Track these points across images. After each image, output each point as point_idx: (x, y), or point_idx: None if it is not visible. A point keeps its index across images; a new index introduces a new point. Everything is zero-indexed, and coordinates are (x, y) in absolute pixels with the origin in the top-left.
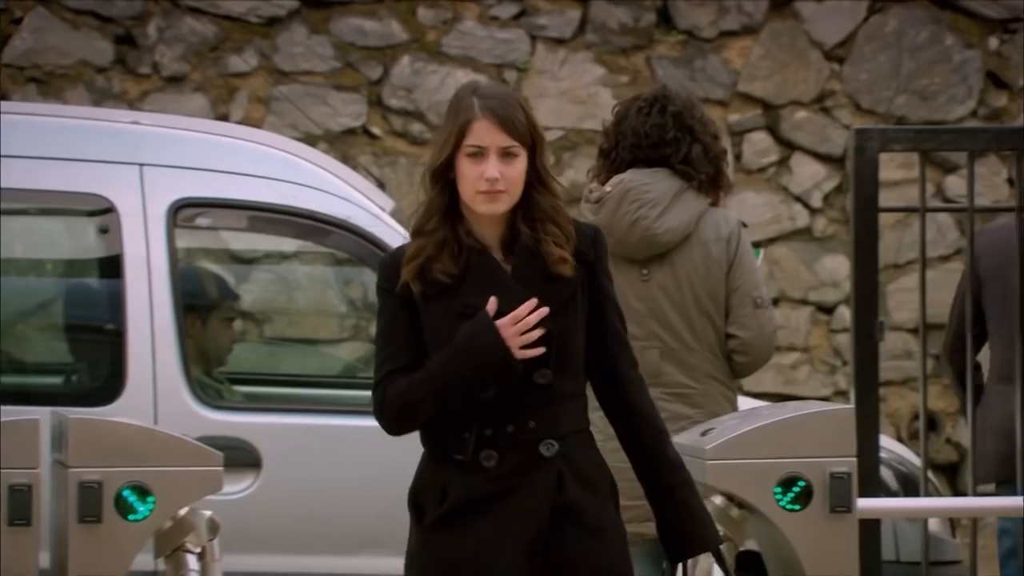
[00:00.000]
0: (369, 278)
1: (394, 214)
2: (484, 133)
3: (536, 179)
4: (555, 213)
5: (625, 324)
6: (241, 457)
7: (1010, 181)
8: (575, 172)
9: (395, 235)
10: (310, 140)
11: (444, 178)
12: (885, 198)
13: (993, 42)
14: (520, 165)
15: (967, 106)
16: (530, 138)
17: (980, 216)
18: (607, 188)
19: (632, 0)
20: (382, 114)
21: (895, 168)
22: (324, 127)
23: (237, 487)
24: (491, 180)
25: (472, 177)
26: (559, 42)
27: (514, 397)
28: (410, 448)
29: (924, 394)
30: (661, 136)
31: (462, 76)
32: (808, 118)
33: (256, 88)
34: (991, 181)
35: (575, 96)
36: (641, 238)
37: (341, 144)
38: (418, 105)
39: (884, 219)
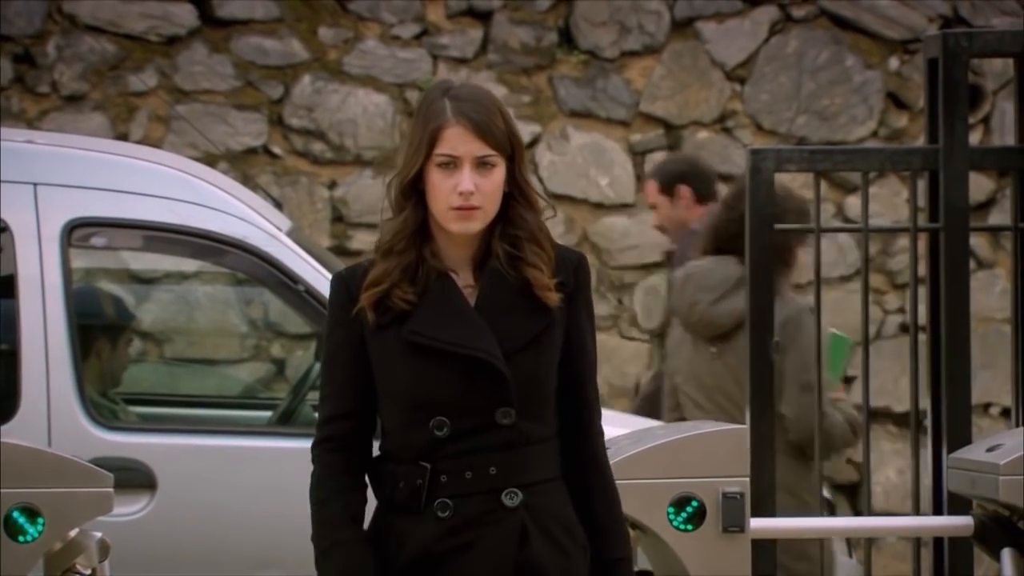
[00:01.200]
0: (268, 298)
1: (291, 234)
2: (457, 141)
3: (516, 192)
4: (539, 231)
5: (595, 367)
6: (136, 478)
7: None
8: None
9: (292, 255)
10: (210, 159)
11: (414, 192)
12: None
13: (893, 63)
14: (498, 177)
15: (868, 127)
16: (509, 146)
17: (878, 236)
18: (677, 272)
19: (534, 20)
20: (283, 133)
21: (796, 188)
22: (224, 146)
23: (131, 508)
24: (465, 193)
25: (444, 191)
26: (461, 61)
27: (474, 439)
28: (308, 470)
29: (819, 413)
30: (734, 231)
31: (363, 95)
32: (709, 138)
33: (156, 107)
34: (891, 202)
35: None
36: (698, 320)
37: (242, 163)
38: (319, 124)
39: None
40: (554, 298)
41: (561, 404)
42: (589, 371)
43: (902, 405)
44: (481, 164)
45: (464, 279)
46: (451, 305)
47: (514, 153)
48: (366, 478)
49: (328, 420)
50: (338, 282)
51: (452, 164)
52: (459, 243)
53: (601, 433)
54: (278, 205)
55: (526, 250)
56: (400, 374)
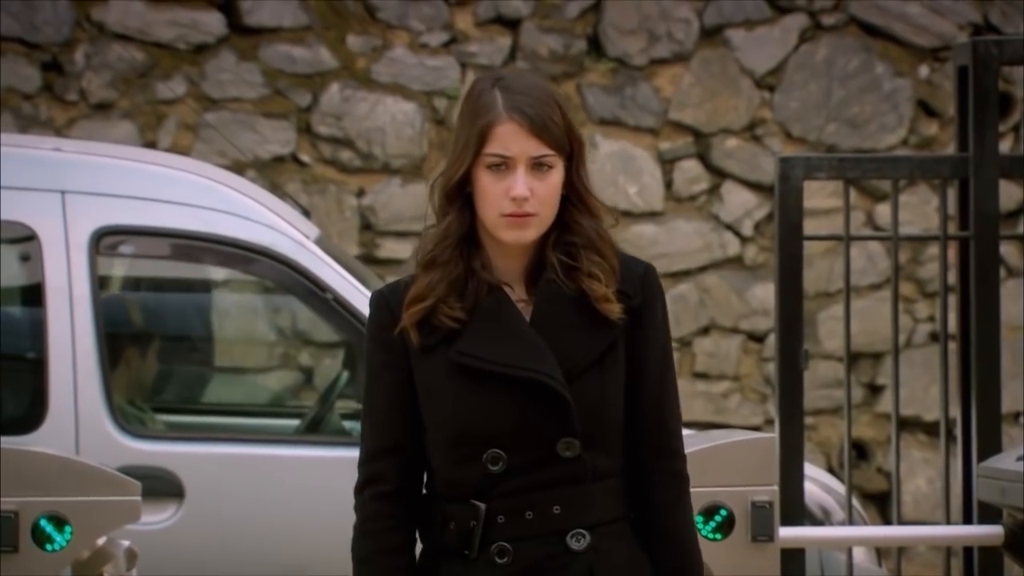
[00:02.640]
0: (296, 307)
1: (319, 242)
2: (510, 139)
3: (575, 196)
4: (599, 239)
5: (677, 398)
6: (163, 487)
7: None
8: None
9: (320, 263)
10: (238, 167)
11: (461, 196)
12: (816, 226)
13: (923, 71)
14: (555, 179)
15: (898, 135)
16: (568, 145)
17: (908, 244)
18: None
19: (562, 28)
20: (311, 141)
21: (826, 196)
22: (253, 154)
23: (159, 517)
24: (519, 199)
25: (495, 195)
26: (489, 70)
27: (533, 474)
28: (335, 478)
29: (848, 422)
30: None
31: (391, 104)
32: (739, 146)
33: (184, 115)
34: (921, 210)
35: None
36: None
37: (270, 171)
38: (347, 132)
39: (815, 247)
40: (615, 309)
41: (626, 433)
42: (660, 395)
43: (932, 414)
44: (536, 165)
45: (517, 292)
46: (505, 322)
47: (573, 152)
48: (415, 532)
49: (370, 457)
50: (378, 300)
51: (504, 165)
52: (511, 253)
53: (675, 473)
54: (306, 213)
55: (583, 259)
56: (448, 401)
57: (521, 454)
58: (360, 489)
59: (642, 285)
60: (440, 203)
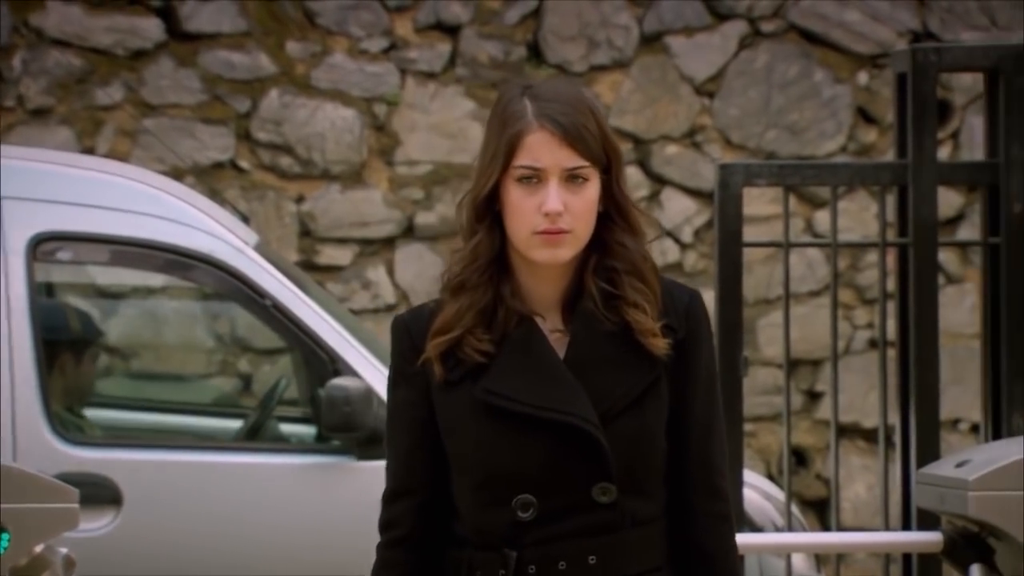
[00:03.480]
0: (235, 313)
1: (258, 248)
2: (541, 149)
3: (614, 211)
4: (643, 263)
5: (723, 437)
6: (101, 494)
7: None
8: (444, 207)
9: (259, 269)
10: (177, 174)
11: (491, 213)
12: (756, 233)
13: (863, 77)
14: (591, 194)
15: (837, 141)
16: (604, 156)
17: (847, 251)
18: None
19: (502, 34)
20: (250, 147)
21: (766, 203)
22: (191, 160)
23: (97, 524)
24: (552, 214)
25: (525, 211)
26: (429, 76)
27: (567, 521)
28: (274, 485)
29: (788, 428)
30: None
31: (331, 110)
32: (679, 153)
33: (122, 121)
34: (860, 217)
35: (445, 130)
36: None
37: (208, 178)
38: (287, 138)
39: (755, 254)
40: (661, 345)
41: (670, 475)
42: (707, 436)
43: (871, 420)
44: (571, 178)
45: (551, 322)
46: (536, 357)
47: (610, 164)
48: None
49: (387, 500)
50: (399, 328)
51: (535, 178)
52: (545, 277)
53: (721, 516)
54: (245, 219)
55: (626, 287)
56: (471, 442)
57: (553, 500)
58: (380, 532)
59: (687, 315)
60: (468, 221)
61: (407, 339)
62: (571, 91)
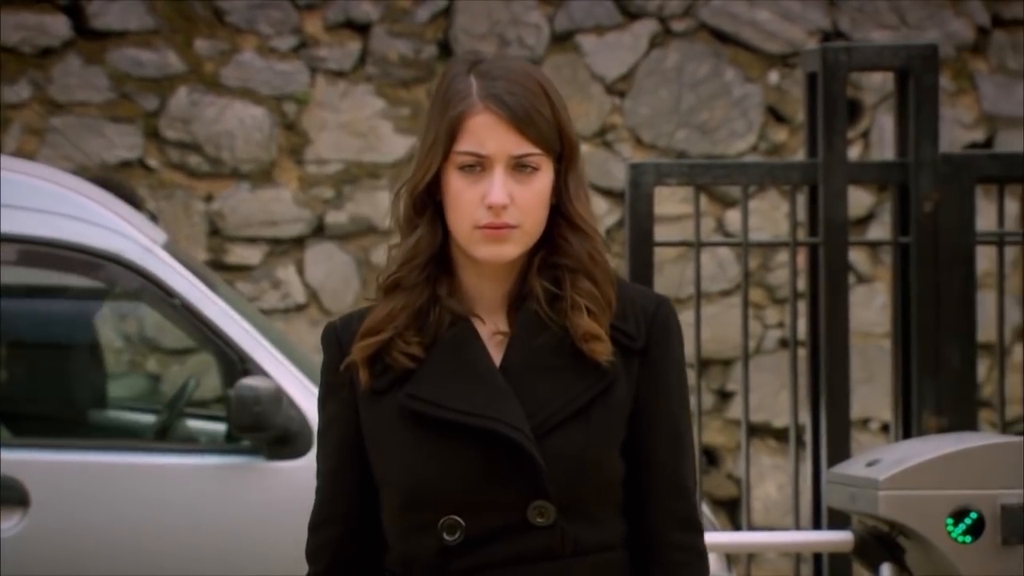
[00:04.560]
0: (143, 312)
1: (167, 247)
2: (485, 133)
3: (566, 207)
4: (590, 262)
5: (693, 460)
6: (8, 495)
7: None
8: (355, 206)
9: (168, 269)
10: (84, 173)
11: (431, 205)
12: (667, 232)
13: (773, 77)
14: (541, 185)
15: (747, 140)
16: (558, 143)
17: (758, 250)
18: None
19: (412, 32)
20: (159, 146)
21: (677, 202)
22: (100, 159)
23: (3, 525)
24: (496, 207)
25: (467, 203)
26: (339, 74)
27: (499, 545)
28: (183, 486)
29: (699, 428)
30: None
31: (240, 108)
32: (590, 152)
33: (29, 119)
34: (771, 216)
35: (356, 129)
36: None
37: (117, 176)
38: (195, 137)
39: (666, 253)
40: (602, 351)
41: (632, 500)
42: (674, 455)
43: (782, 420)
44: (519, 167)
45: (494, 324)
46: (464, 360)
47: (564, 153)
48: None
49: (311, 530)
50: (329, 337)
51: (479, 166)
52: (488, 276)
53: (693, 550)
54: (154, 218)
55: (568, 286)
56: (396, 456)
57: (483, 522)
58: (307, 553)
59: (650, 324)
60: (406, 214)
61: (336, 348)
62: (524, 69)
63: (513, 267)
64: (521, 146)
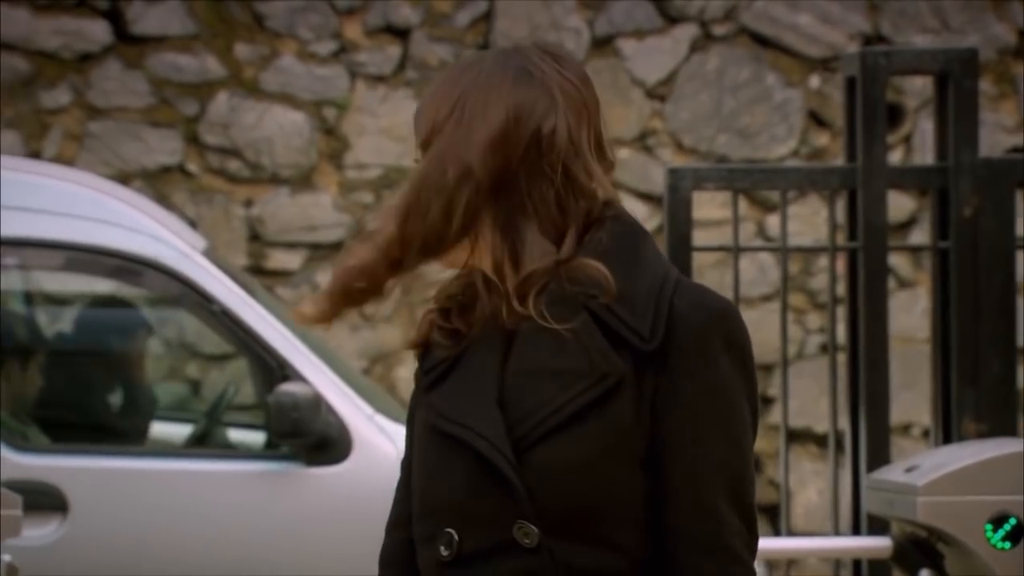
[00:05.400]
0: (183, 318)
1: (206, 253)
2: None
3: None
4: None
5: (739, 482)
6: (47, 501)
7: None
8: None
9: (206, 275)
10: (124, 178)
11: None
12: (707, 237)
13: (814, 81)
14: None
15: (788, 145)
16: None
17: (799, 255)
18: None
19: (453, 37)
20: (198, 151)
21: (717, 207)
22: (139, 164)
23: (42, 531)
24: None
25: None
26: (379, 79)
27: (488, 564)
28: (222, 492)
29: None
30: None
31: (280, 113)
32: (630, 157)
33: (69, 124)
34: (812, 221)
35: (395, 134)
36: None
37: (157, 182)
38: (235, 142)
39: (706, 258)
40: (596, 353)
41: (660, 525)
42: (698, 477)
43: (823, 425)
44: None
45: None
46: (480, 360)
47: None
48: None
49: (386, 530)
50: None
51: None
52: None
53: (709, 574)
54: (192, 224)
55: (568, 274)
56: (417, 460)
57: (476, 538)
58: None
59: (676, 326)
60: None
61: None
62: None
63: None
64: None
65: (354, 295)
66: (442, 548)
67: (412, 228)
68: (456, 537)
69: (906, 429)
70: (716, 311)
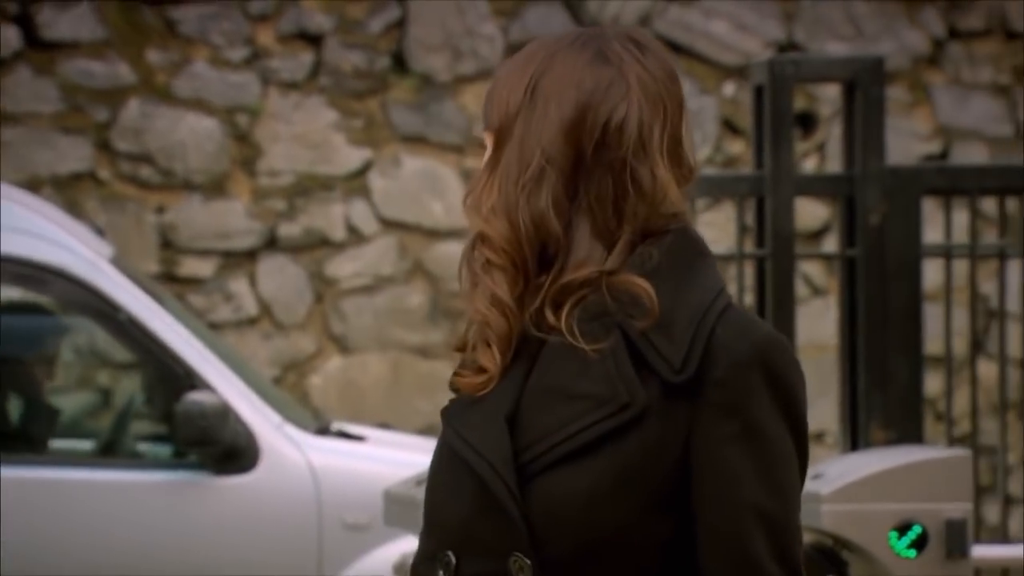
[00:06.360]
0: (91, 327)
1: (114, 261)
2: None
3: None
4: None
5: (783, 527)
6: None
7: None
8: (308, 218)
9: (113, 283)
10: (36, 184)
11: None
12: None
13: (728, 88)
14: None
15: (703, 152)
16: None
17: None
18: None
19: (366, 43)
20: (110, 158)
21: None
22: (51, 171)
23: None
24: None
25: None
26: (291, 85)
27: None
28: (130, 501)
29: None
30: None
31: (192, 119)
32: None
33: None
34: (727, 228)
35: (308, 140)
36: None
37: (68, 189)
38: (147, 148)
39: None
40: (611, 374)
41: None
42: (734, 520)
43: None
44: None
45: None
46: (505, 380)
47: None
48: None
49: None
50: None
51: None
52: None
53: None
54: (100, 232)
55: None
56: (429, 473)
57: (472, 564)
58: None
59: (713, 354)
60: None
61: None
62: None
63: None
64: None
65: (505, 329)
66: (440, 568)
67: (520, 229)
68: (454, 561)
69: (819, 437)
70: (760, 342)
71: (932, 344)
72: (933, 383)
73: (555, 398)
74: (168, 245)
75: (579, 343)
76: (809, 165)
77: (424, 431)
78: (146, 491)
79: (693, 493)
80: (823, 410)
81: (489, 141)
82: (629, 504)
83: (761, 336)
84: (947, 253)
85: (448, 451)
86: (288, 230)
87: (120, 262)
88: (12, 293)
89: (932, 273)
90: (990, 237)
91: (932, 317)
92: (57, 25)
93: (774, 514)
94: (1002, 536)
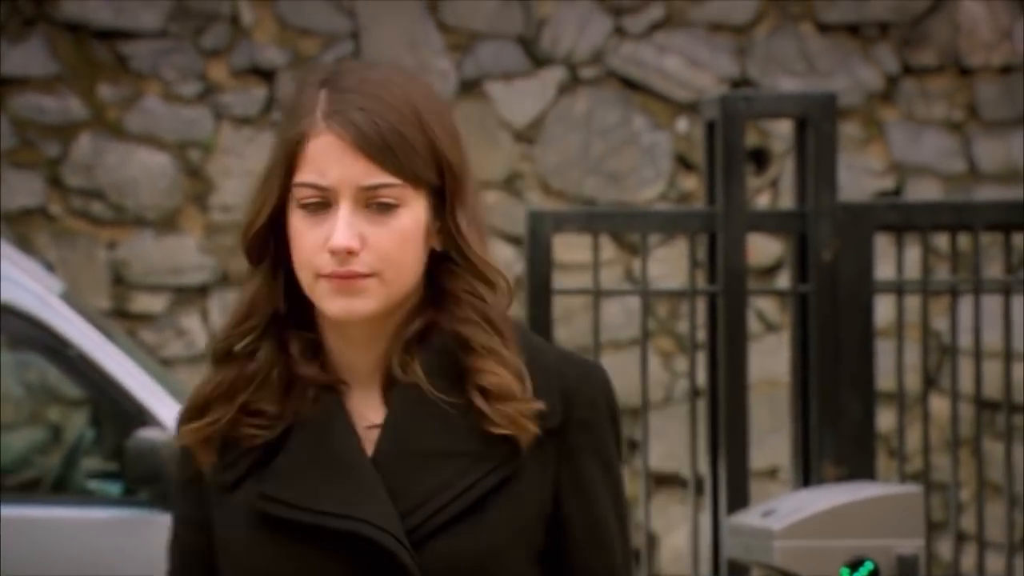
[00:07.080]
0: (40, 363)
1: (64, 296)
2: (327, 160)
3: (456, 250)
4: (495, 315)
5: (630, 564)
6: None
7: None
8: None
9: (63, 318)
10: None
11: (271, 250)
12: (575, 280)
13: (682, 124)
14: (404, 224)
15: (656, 188)
16: (434, 172)
17: (668, 298)
18: None
19: None
20: (61, 193)
21: (584, 250)
22: (1, 207)
23: None
24: (338, 251)
25: (308, 247)
26: (244, 120)
27: None
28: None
29: None
30: None
31: (144, 154)
32: (498, 200)
33: None
34: (680, 264)
35: None
36: None
37: (18, 224)
38: (99, 184)
39: (576, 302)
40: (526, 428)
41: None
42: (602, 565)
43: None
44: (373, 202)
45: (365, 397)
46: (329, 447)
47: (446, 183)
48: None
49: None
50: (177, 421)
51: (323, 202)
52: (356, 338)
53: None
54: (49, 267)
55: (472, 344)
56: (244, 565)
57: None
58: None
59: (570, 398)
60: (249, 258)
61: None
62: (387, 77)
63: (386, 327)
64: (372, 175)
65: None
66: None
67: None
68: None
69: (773, 473)
70: (596, 372)
71: (884, 380)
72: (885, 419)
73: (422, 462)
74: (120, 281)
75: (438, 397)
76: (763, 201)
77: None
78: (96, 528)
79: (565, 537)
80: (775, 446)
81: None
82: (516, 556)
83: (589, 364)
84: (899, 289)
85: (291, 534)
86: (240, 265)
87: (70, 298)
88: None
89: (884, 309)
90: (942, 273)
91: (884, 353)
92: (8, 60)
93: (626, 544)
94: (955, 573)
